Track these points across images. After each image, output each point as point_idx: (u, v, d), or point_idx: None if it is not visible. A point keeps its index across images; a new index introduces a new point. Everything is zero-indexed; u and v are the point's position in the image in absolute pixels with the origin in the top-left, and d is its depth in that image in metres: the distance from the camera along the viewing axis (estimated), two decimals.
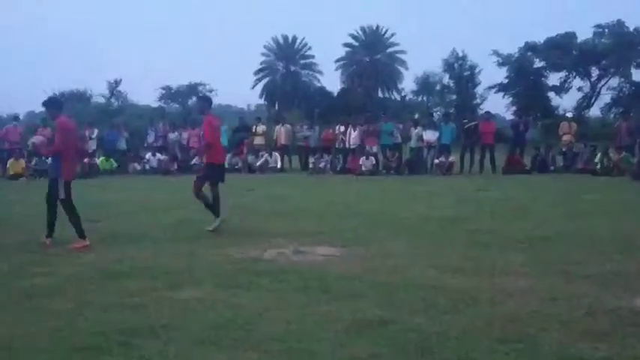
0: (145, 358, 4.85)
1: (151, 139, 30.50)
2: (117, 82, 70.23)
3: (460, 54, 66.89)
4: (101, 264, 8.38)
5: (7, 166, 27.04)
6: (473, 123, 27.41)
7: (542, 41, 61.69)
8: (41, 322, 5.80)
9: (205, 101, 12.71)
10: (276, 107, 75.43)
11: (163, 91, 68.46)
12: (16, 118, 30.02)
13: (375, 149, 27.05)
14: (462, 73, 66.55)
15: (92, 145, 28.78)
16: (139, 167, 28.59)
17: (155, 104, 67.39)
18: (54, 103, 10.44)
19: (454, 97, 67.16)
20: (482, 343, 5.08)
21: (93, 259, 8.73)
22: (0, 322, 5.83)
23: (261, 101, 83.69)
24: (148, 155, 29.10)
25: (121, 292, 6.86)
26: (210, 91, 69.55)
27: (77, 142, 10.65)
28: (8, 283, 7.48)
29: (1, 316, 6.02)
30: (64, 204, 9.91)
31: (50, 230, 10.04)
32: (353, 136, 27.54)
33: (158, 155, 28.89)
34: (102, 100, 69.09)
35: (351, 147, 27.46)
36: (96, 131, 29.83)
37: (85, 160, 27.45)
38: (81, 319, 5.90)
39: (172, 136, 30.46)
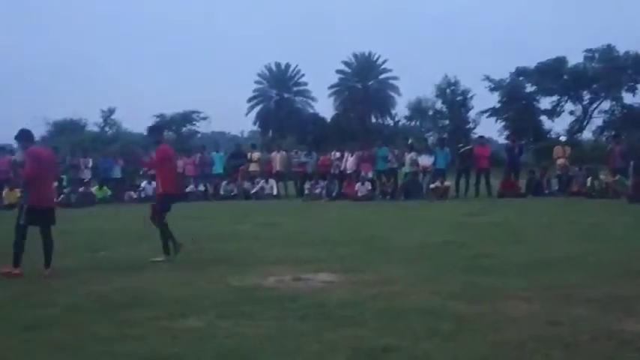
0: None
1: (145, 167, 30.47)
2: (111, 111, 70.37)
3: (452, 79, 67.32)
4: (101, 294, 8.34)
5: (3, 195, 26.97)
6: (467, 147, 27.52)
7: (533, 66, 62.14)
8: (44, 355, 5.76)
9: (157, 131, 13.13)
10: (270, 134, 75.61)
11: (157, 119, 68.41)
12: (2, 148, 29.91)
13: (370, 174, 27.11)
14: (454, 98, 66.88)
15: (87, 174, 28.77)
16: (134, 195, 28.55)
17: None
18: (23, 135, 10.56)
19: (447, 121, 67.42)
20: None
21: (93, 290, 8.68)
22: (1, 356, 5.78)
23: (255, 128, 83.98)
24: (144, 183, 29.06)
25: (123, 323, 6.81)
26: (204, 118, 69.89)
27: (51, 171, 10.69)
28: (7, 314, 7.44)
29: (1, 351, 5.97)
30: (18, 228, 10.00)
31: (46, 260, 10.08)
32: (349, 162, 27.62)
33: (153, 183, 28.82)
34: (96, 129, 69.17)
35: (348, 172, 27.53)
36: (90, 160, 29.82)
37: (81, 189, 27.44)
38: (83, 351, 5.85)
39: None
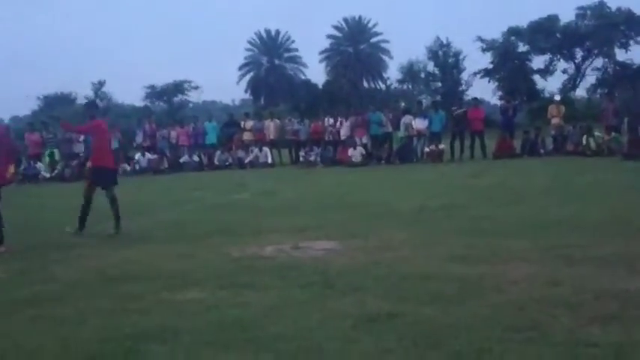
0: None
1: (139, 139, 30.37)
2: (101, 83, 70.01)
3: (444, 41, 66.90)
4: (101, 268, 8.30)
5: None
6: (461, 110, 27.45)
7: (525, 25, 61.80)
8: (46, 331, 5.73)
9: (92, 106, 13.54)
10: (262, 102, 75.38)
11: (148, 90, 68.15)
12: None
13: (364, 140, 27.06)
14: (446, 60, 66.51)
15: (81, 148, 28.64)
16: (129, 168, 28.46)
17: (140, 104, 67.22)
18: None
19: (439, 84, 67.15)
20: (494, 332, 5.04)
21: (92, 264, 8.65)
22: (4, 333, 5.74)
23: (247, 96, 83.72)
24: (138, 155, 28.99)
25: (124, 297, 6.78)
26: (196, 87, 69.54)
27: (7, 148, 10.79)
28: (9, 290, 7.41)
29: (4, 327, 5.94)
30: None
31: None
32: (343, 128, 27.57)
33: (147, 155, 28.78)
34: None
35: (342, 138, 27.49)
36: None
37: (74, 163, 27.34)
38: (86, 326, 5.82)
39: (160, 134, 30.35)
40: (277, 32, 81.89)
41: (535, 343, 4.80)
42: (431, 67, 67.93)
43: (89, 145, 28.71)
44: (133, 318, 5.97)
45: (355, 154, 26.15)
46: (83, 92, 69.69)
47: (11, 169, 11.06)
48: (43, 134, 29.54)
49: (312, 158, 27.42)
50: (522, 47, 62.75)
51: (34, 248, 10.01)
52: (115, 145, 29.45)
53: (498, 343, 4.82)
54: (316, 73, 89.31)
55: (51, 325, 5.89)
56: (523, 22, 62.72)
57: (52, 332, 5.66)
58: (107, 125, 12.53)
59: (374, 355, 4.71)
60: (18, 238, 11.02)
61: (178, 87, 68.88)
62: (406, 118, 26.60)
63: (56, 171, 27.31)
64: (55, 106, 67.09)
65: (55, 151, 28.58)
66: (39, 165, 27.73)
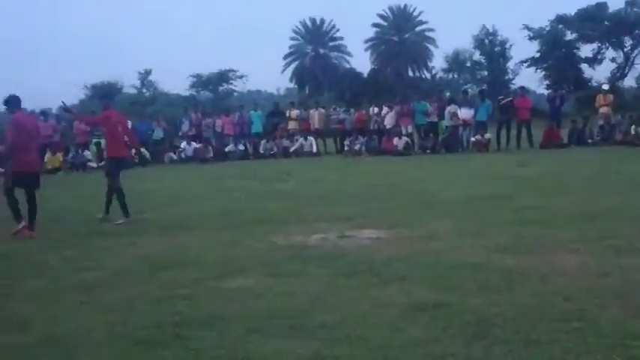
0: (202, 350, 4.84)
1: (185, 127, 30.60)
2: (147, 72, 70.62)
3: (490, 29, 66.28)
4: (148, 256, 8.41)
5: (45, 160, 27.30)
6: (508, 99, 27.17)
7: (573, 13, 60.88)
8: (95, 316, 5.83)
9: (106, 98, 14.45)
10: (307, 91, 75.40)
11: (194, 80, 68.55)
12: (43, 113, 30.22)
13: (409, 129, 26.99)
14: (492, 48, 65.92)
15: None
16: (174, 156, 28.72)
17: (186, 93, 67.67)
18: (11, 101, 10.98)
19: (485, 73, 66.57)
20: (541, 323, 5.01)
21: (139, 252, 8.77)
22: (55, 317, 5.86)
23: (292, 85, 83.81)
24: (183, 144, 29.23)
25: (170, 284, 6.85)
26: (241, 76, 69.70)
27: (34, 138, 11.10)
28: (59, 277, 7.53)
29: (55, 312, 6.06)
30: (7, 191, 10.58)
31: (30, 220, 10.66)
32: (388, 117, 27.50)
33: (193, 144, 29.02)
34: (133, 91, 69.50)
35: (387, 128, 27.42)
36: (129, 123, 29.99)
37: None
38: (134, 312, 5.91)
39: (206, 123, 30.55)
40: (322, 21, 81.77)
41: (582, 334, 4.76)
42: (477, 56, 67.48)
43: (136, 134, 29.33)
44: (180, 305, 6.04)
45: (400, 143, 26.06)
46: (130, 81, 70.42)
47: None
48: None
49: (357, 147, 27.38)
50: (570, 35, 61.80)
51: (82, 236, 10.17)
52: (159, 134, 29.84)
53: (545, 333, 4.79)
54: (361, 62, 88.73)
55: (99, 311, 5.99)
56: (571, 10, 61.84)
57: (100, 318, 5.76)
58: (119, 115, 12.76)
59: (420, 344, 4.71)
60: (67, 225, 11.24)
61: (224, 76, 69.08)
62: (451, 108, 26.42)
63: (103, 161, 27.64)
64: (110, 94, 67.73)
65: (102, 140, 28.91)
66: (86, 153, 28.09)
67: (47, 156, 27.03)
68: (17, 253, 9.06)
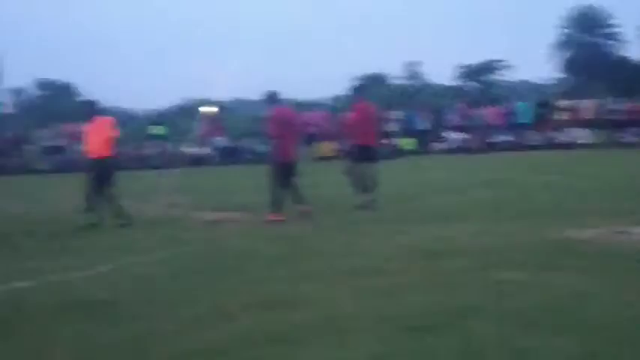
0: (472, 339, 4.81)
1: (451, 118, 30.67)
2: (414, 64, 71.45)
3: None
4: (418, 244, 8.48)
5: (315, 148, 28.61)
6: None
7: None
8: (364, 300, 5.98)
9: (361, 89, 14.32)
10: (577, 81, 72.48)
11: (461, 70, 68.34)
12: (316, 104, 31.71)
13: None
14: None
15: (393, 127, 29.56)
16: (440, 146, 28.88)
17: (452, 83, 67.62)
18: (270, 97, 12.00)
19: None
20: None
21: (405, 240, 8.86)
22: (329, 300, 6.08)
23: (561, 75, 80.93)
24: (449, 134, 29.30)
25: (439, 273, 6.86)
26: (508, 66, 68.42)
27: (293, 129, 11.70)
28: (335, 261, 7.77)
29: (328, 295, 6.25)
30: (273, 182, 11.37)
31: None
32: None
33: (459, 134, 29.01)
34: (400, 82, 70.58)
35: None
36: (397, 113, 30.56)
37: (386, 141, 28.29)
38: (404, 298, 5.98)
39: (472, 114, 30.43)
40: (593, 8, 78.10)
41: None
42: None
43: (404, 124, 29.89)
44: (448, 293, 6.04)
45: None
46: (395, 73, 71.59)
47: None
48: None
49: (629, 139, 25.95)
50: None
51: (353, 223, 10.51)
52: (425, 125, 30.14)
53: None
54: (636, 49, 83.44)
55: (368, 296, 6.13)
56: None
57: (369, 303, 5.90)
58: (369, 107, 13.03)
59: None
60: (339, 212, 11.69)
61: (490, 66, 68.24)
62: None
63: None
64: (368, 86, 69.57)
65: None
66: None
67: (319, 144, 28.31)
68: (293, 238, 9.52)
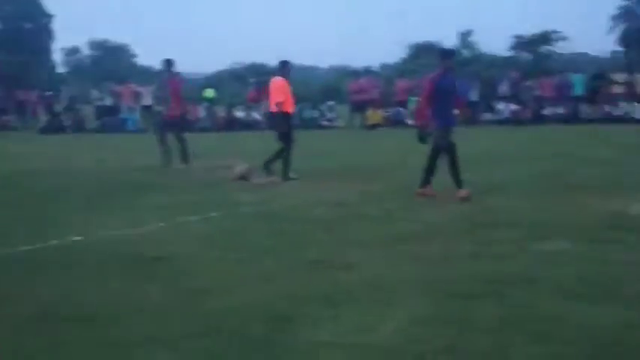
0: (516, 308, 4.88)
1: (502, 89, 30.36)
2: (468, 33, 70.64)
3: None
4: (467, 214, 8.57)
5: (366, 115, 28.62)
6: None
7: None
8: (414, 266, 6.09)
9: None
10: (635, 54, 70.95)
11: (516, 40, 67.36)
12: (369, 71, 31.74)
13: None
14: None
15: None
16: (490, 117, 28.65)
17: (506, 54, 66.72)
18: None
19: None
20: None
21: (459, 210, 8.95)
22: (377, 264, 6.21)
23: (619, 48, 79.24)
24: (501, 105, 29.03)
25: (487, 242, 6.94)
26: (564, 38, 67.25)
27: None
28: (377, 227, 7.94)
29: (376, 259, 6.39)
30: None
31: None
32: None
33: (511, 105, 28.73)
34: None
35: None
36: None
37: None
38: (450, 265, 6.08)
39: (524, 85, 30.10)
40: None
41: None
42: None
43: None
44: (494, 263, 6.11)
45: None
46: (449, 42, 70.89)
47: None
48: (411, 81, 30.70)
49: None
50: None
51: (402, 189, 10.55)
52: (475, 96, 29.87)
53: None
54: None
55: (414, 262, 6.24)
56: None
57: (415, 268, 6.00)
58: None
59: None
60: (392, 179, 11.75)
61: (545, 37, 67.12)
62: None
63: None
64: (422, 54, 69.01)
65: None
66: (403, 111, 28.92)
67: (369, 112, 28.32)
68: (343, 203, 9.61)
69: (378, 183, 11.40)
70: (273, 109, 12.80)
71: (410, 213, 8.74)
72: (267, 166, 12.35)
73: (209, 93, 32.86)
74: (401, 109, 29.10)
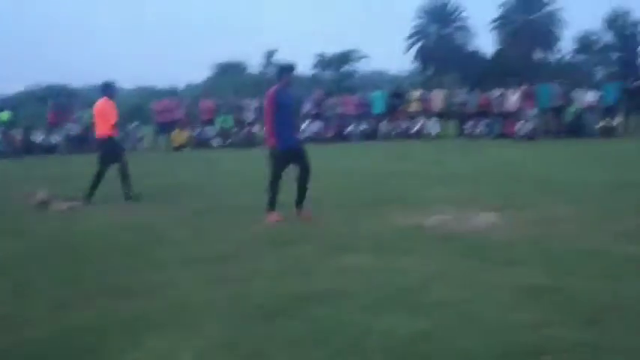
0: (319, 323, 4.99)
1: (306, 107, 30.96)
2: (272, 53, 71.77)
3: (622, 10, 63.97)
4: (270, 232, 8.68)
5: (172, 136, 28.32)
6: (638, 82, 26.19)
7: None
8: (219, 287, 6.08)
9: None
10: (430, 71, 74.68)
11: (317, 59, 69.17)
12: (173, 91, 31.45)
13: (532, 112, 26.41)
14: (624, 30, 63.57)
15: (251, 116, 29.61)
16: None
17: (309, 72, 68.32)
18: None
19: (616, 55, 64.30)
20: None
21: (262, 227, 9.03)
22: (181, 287, 6.15)
23: (415, 66, 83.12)
24: (305, 124, 29.59)
25: (290, 259, 7.07)
26: (364, 57, 69.80)
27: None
28: (186, 251, 7.84)
29: (181, 282, 6.34)
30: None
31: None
32: (512, 100, 27.01)
33: (314, 123, 29.36)
34: (258, 71, 70.73)
35: (510, 111, 26.96)
36: (254, 101, 30.56)
37: (244, 130, 28.35)
38: (255, 284, 6.13)
39: (328, 103, 30.85)
40: (447, 1, 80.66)
41: None
42: (608, 37, 65.25)
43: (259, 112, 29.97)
44: (298, 279, 6.23)
45: (523, 127, 25.58)
46: (254, 61, 71.76)
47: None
48: (216, 101, 30.68)
49: (478, 130, 27.10)
50: None
51: (205, 211, 10.53)
52: None
53: None
54: (486, 43, 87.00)
55: (222, 282, 6.24)
56: None
57: (223, 288, 6.01)
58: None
59: (531, 327, 4.73)
60: (194, 200, 11.68)
61: (346, 56, 69.41)
62: (577, 91, 25.80)
63: (229, 140, 28.35)
64: (228, 73, 69.42)
65: (229, 117, 29.61)
66: (210, 130, 28.87)
67: (174, 133, 28.03)
68: (148, 226, 9.47)
69: (185, 205, 11.30)
70: (103, 132, 12.40)
71: (215, 234, 8.72)
72: (91, 193, 12.07)
73: (4, 116, 31.19)
74: (207, 128, 29.02)
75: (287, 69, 10.23)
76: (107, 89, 12.58)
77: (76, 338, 4.88)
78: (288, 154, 9.78)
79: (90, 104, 29.87)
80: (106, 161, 12.24)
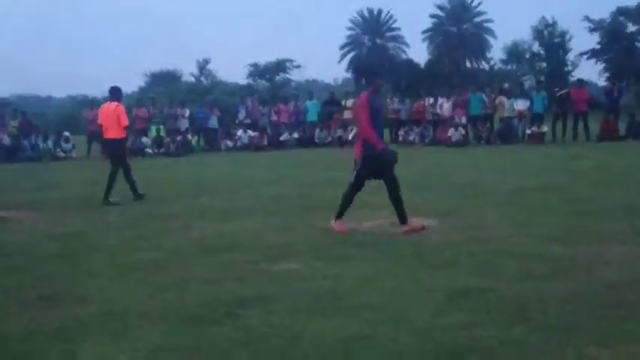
0: (251, 328, 5.02)
1: (241, 116, 30.94)
2: (206, 61, 71.55)
3: (550, 21, 65.61)
4: (201, 239, 8.66)
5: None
6: (564, 91, 26.89)
7: (634, 5, 59.82)
8: (150, 294, 6.06)
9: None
10: (363, 81, 75.30)
11: (252, 69, 69.16)
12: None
13: (464, 120, 26.89)
14: (552, 40, 65.20)
15: (185, 124, 29.42)
16: (230, 144, 29.09)
17: (243, 82, 68.27)
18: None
19: (544, 65, 65.88)
20: (581, 309, 5.10)
21: (193, 235, 9.01)
22: (113, 294, 6.12)
23: (349, 75, 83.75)
24: (239, 132, 29.56)
25: (222, 266, 7.08)
26: (298, 66, 70.05)
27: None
28: (117, 256, 7.80)
29: (112, 289, 6.32)
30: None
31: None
32: (444, 108, 27.46)
33: (249, 132, 29.34)
34: (192, 80, 70.36)
35: (442, 118, 27.40)
36: (187, 110, 30.40)
37: (179, 138, 28.14)
38: (187, 291, 6.13)
39: (262, 112, 30.89)
40: (379, 11, 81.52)
41: (623, 322, 4.83)
42: (536, 47, 66.88)
43: (195, 121, 29.81)
44: (230, 286, 6.24)
45: (455, 134, 26.00)
46: (188, 70, 71.43)
47: None
48: (150, 110, 30.39)
49: (411, 138, 27.44)
50: (631, 28, 60.82)
51: (140, 219, 10.47)
52: (214, 123, 30.21)
53: (585, 319, 4.89)
54: (418, 52, 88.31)
55: (154, 290, 6.22)
56: (632, 1, 60.83)
57: (154, 296, 5.99)
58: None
59: (461, 327, 4.83)
60: (126, 208, 11.59)
61: (281, 65, 69.57)
62: (501, 99, 26.51)
63: (162, 148, 28.12)
64: (162, 82, 68.95)
65: (161, 126, 29.36)
66: (144, 140, 28.60)
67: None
68: (79, 235, 9.36)
69: (116, 212, 11.21)
70: (115, 134, 12.87)
71: (147, 241, 8.67)
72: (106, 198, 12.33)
73: None
74: (143, 138, 28.70)
75: (377, 74, 9.98)
76: (117, 94, 13.26)
77: (10, 345, 4.82)
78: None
79: (22, 114, 29.52)
80: (120, 162, 12.78)
